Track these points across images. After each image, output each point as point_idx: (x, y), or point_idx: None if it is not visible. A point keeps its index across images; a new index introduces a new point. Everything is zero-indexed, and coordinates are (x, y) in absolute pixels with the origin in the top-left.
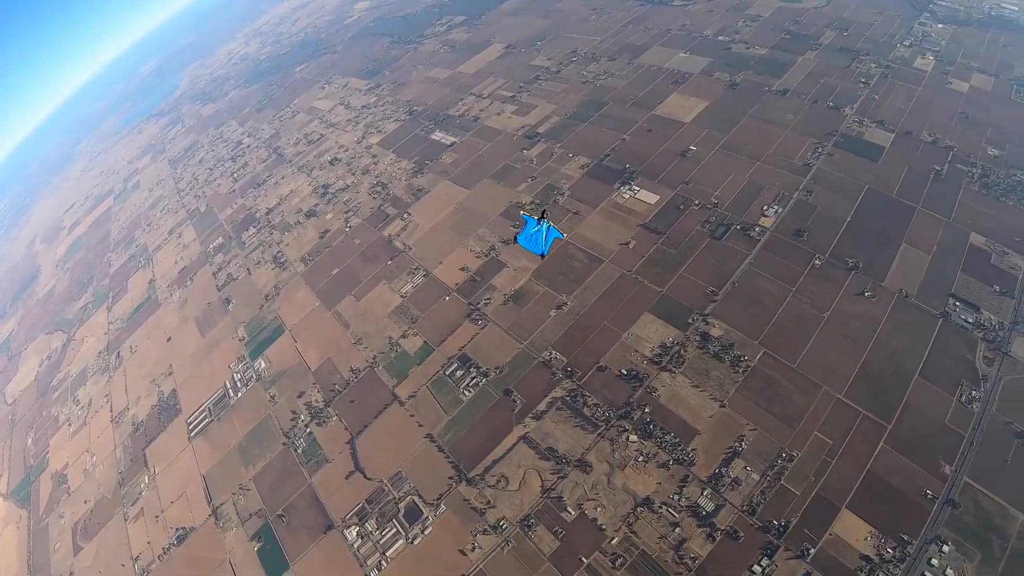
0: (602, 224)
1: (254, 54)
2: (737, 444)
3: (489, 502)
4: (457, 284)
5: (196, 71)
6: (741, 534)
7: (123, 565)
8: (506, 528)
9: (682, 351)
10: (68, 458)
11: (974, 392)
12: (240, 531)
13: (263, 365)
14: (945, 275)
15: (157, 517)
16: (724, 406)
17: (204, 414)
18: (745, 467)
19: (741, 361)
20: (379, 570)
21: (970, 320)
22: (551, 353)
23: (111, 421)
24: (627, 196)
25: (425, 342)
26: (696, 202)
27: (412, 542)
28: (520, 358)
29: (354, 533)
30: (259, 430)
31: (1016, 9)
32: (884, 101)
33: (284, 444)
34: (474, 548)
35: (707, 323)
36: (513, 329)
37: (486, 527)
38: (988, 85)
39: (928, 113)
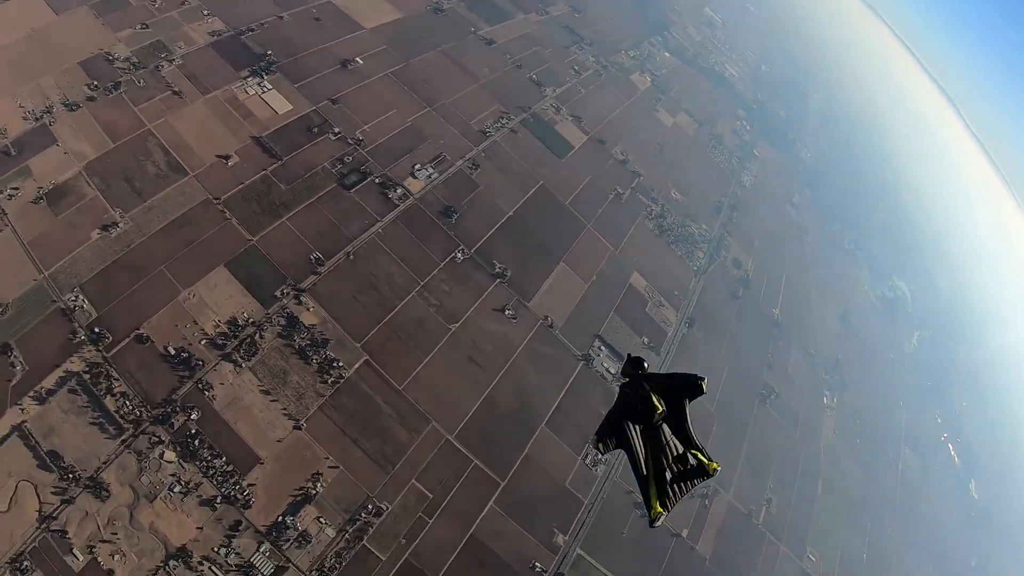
0: (205, 120)
1: None
2: (310, 485)
3: None
4: None
5: None
6: None
7: None
8: None
9: (258, 337)
10: None
11: (600, 456)
12: None
13: None
14: (597, 312)
15: None
16: (300, 428)
17: None
18: (319, 518)
19: (333, 368)
20: None
21: (611, 370)
22: (78, 297)
23: None
24: (252, 92)
25: None
26: (337, 130)
27: None
28: (34, 297)
29: None
30: None
31: (735, 74)
32: (589, 99)
33: None
34: None
35: (300, 302)
36: (36, 246)
37: None
38: (691, 129)
39: (627, 131)
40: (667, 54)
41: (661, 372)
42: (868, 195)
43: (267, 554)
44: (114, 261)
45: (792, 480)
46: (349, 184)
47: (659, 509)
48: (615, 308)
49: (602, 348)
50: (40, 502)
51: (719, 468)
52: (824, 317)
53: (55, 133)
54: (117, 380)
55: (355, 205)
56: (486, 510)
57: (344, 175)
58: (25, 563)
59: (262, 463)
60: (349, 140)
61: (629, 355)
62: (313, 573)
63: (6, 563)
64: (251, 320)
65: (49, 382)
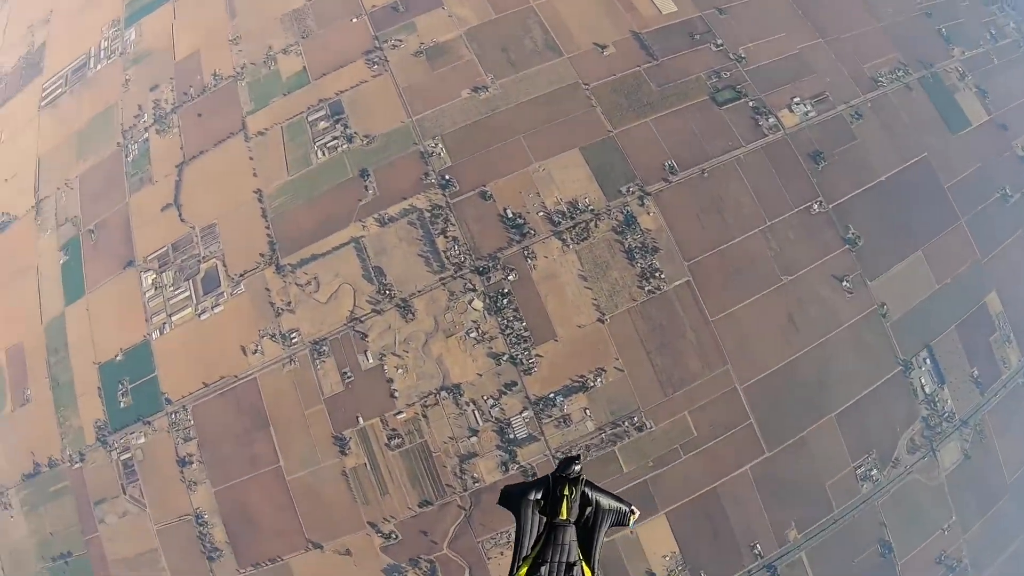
0: (587, 7)
1: None
2: (591, 377)
3: (290, 303)
4: (375, 7)
5: None
6: None
7: None
8: (296, 343)
9: (593, 224)
10: None
11: (875, 471)
12: (53, 236)
13: (133, 37)
14: (937, 320)
15: None
16: (603, 322)
17: (60, 82)
18: (585, 409)
19: (654, 277)
20: (161, 332)
21: (927, 390)
22: (437, 145)
23: None
24: None
25: (304, 68)
26: (719, 42)
27: (200, 315)
28: (399, 135)
29: (150, 280)
30: (102, 118)
31: None
32: (999, 73)
33: (119, 145)
34: (256, 351)
35: (642, 204)
36: (409, 93)
37: (276, 332)
38: None
39: None
40: None
41: (601, 486)
42: None
43: (526, 421)
44: (477, 121)
45: None
46: (721, 100)
47: None
48: (957, 324)
49: (927, 360)
50: (354, 305)
51: None
52: None
53: None
54: (453, 225)
55: (722, 123)
56: (738, 472)
57: (718, 90)
58: (324, 348)
59: (556, 340)
60: (730, 55)
61: (571, 453)
62: (557, 454)
63: (310, 342)
64: (591, 207)
65: (393, 210)
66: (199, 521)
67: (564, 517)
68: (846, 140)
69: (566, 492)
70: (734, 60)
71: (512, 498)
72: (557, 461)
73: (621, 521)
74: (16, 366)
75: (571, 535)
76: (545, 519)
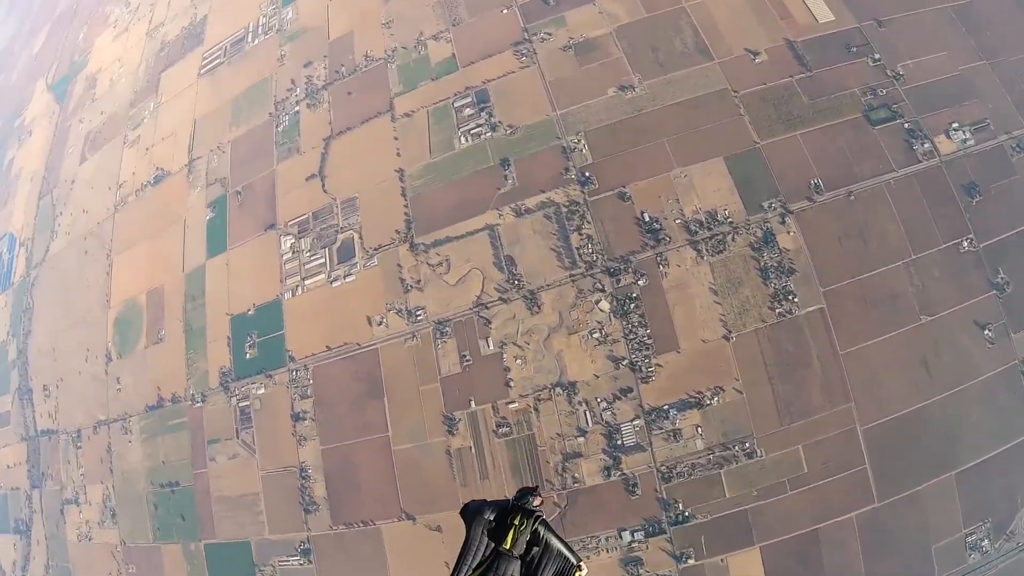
0: (740, 10)
1: None
2: (708, 394)
3: (419, 281)
4: None
5: None
6: (638, 492)
7: (109, 188)
8: (420, 320)
9: (730, 238)
10: (103, 63)
11: (987, 542)
12: (202, 193)
13: (290, 16)
14: None
15: (148, 149)
16: (729, 340)
17: (219, 53)
18: (697, 427)
19: (787, 300)
20: (294, 294)
21: None
22: (579, 141)
23: (146, 33)
24: None
25: (454, 55)
26: (876, 57)
27: (332, 282)
28: (542, 128)
29: (288, 244)
30: (257, 89)
31: None
32: None
33: (271, 115)
34: (381, 323)
35: (783, 223)
36: (555, 87)
37: (402, 308)
38: None
39: None
40: None
41: (556, 531)
42: None
43: (636, 429)
44: (621, 120)
45: None
46: (875, 119)
47: None
48: None
49: None
50: (482, 290)
51: None
52: None
53: None
54: (588, 223)
55: (874, 144)
56: (843, 517)
57: (872, 108)
58: (447, 329)
59: (678, 352)
60: (888, 72)
61: (531, 485)
62: (661, 468)
63: (434, 321)
64: (730, 219)
65: (531, 202)
66: (303, 474)
67: (508, 547)
68: (1005, 174)
69: (516, 522)
70: (891, 77)
71: (468, 512)
72: (518, 492)
73: (566, 572)
74: (155, 308)
75: (514, 569)
76: (493, 545)
